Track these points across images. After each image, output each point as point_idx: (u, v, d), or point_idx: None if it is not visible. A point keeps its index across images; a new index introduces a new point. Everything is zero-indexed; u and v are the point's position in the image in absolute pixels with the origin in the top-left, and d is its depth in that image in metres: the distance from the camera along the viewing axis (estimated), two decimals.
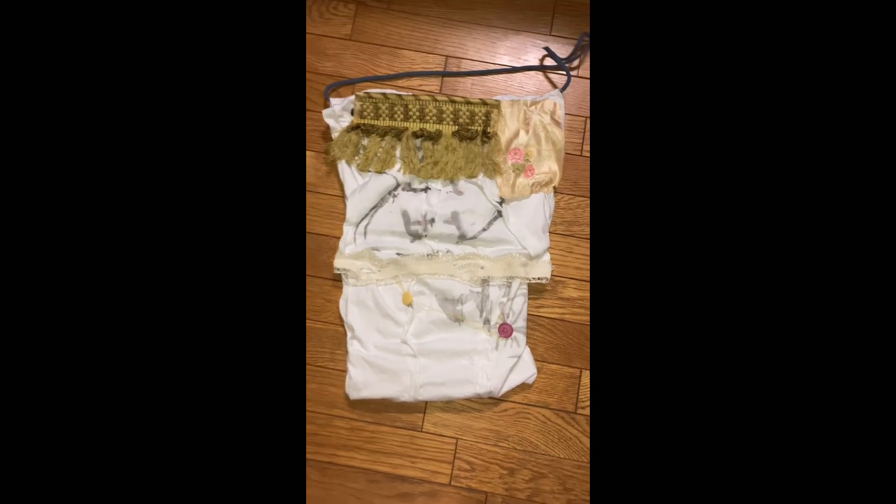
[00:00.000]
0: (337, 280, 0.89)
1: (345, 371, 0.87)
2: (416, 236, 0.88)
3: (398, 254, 0.87)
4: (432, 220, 0.88)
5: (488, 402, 0.87)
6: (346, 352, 0.86)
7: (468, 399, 0.86)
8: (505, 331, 0.85)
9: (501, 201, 0.89)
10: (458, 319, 0.86)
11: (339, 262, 0.87)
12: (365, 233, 0.89)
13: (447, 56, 0.96)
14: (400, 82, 0.95)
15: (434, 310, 0.86)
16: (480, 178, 0.89)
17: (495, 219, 0.88)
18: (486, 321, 0.86)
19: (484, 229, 0.88)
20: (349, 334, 0.87)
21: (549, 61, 0.96)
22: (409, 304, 0.86)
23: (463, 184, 0.89)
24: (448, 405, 0.87)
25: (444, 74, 0.95)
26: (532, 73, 0.96)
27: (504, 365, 0.84)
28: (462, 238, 0.88)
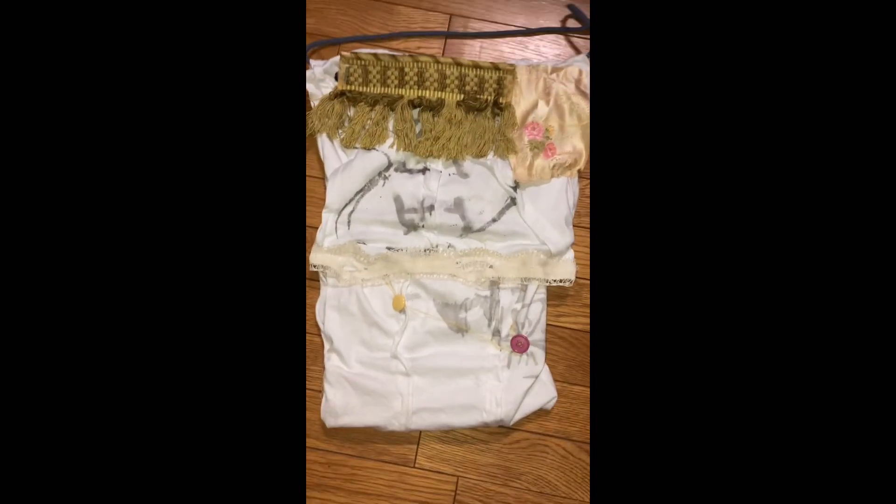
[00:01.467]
0: (313, 279, 0.73)
1: (320, 392, 0.71)
2: (411, 227, 0.72)
3: (389, 248, 0.71)
4: (431, 208, 0.72)
5: (497, 431, 0.71)
6: (323, 368, 0.70)
7: (472, 428, 0.69)
8: (519, 345, 0.69)
9: (516, 186, 0.73)
10: (462, 330, 0.70)
11: (315, 258, 0.71)
12: (348, 222, 0.73)
13: (451, 14, 0.81)
14: (394, 44, 0.79)
15: (432, 317, 0.70)
16: (490, 157, 0.73)
17: (508, 207, 0.72)
18: (496, 332, 0.70)
19: (494, 220, 0.72)
20: (326, 346, 0.70)
21: (572, 22, 0.80)
22: (402, 310, 0.70)
23: (469, 164, 0.73)
24: (447, 435, 0.71)
25: (448, 35, 0.80)
26: (552, 35, 0.80)
27: (518, 387, 0.68)
28: (467, 230, 0.72)
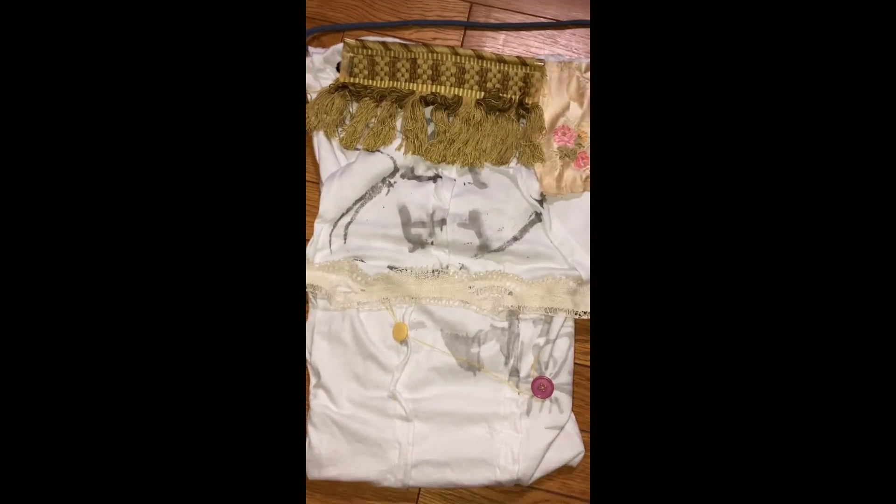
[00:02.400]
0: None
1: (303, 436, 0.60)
2: (417, 243, 0.62)
3: (391, 267, 0.61)
4: (442, 222, 0.61)
5: (512, 491, 0.60)
6: (307, 407, 0.59)
7: (483, 487, 0.58)
8: (541, 388, 0.58)
9: (542, 199, 0.62)
10: (474, 367, 0.59)
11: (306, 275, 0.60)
12: (345, 234, 0.62)
13: (472, 3, 0.71)
14: (406, 33, 0.70)
15: (439, 351, 0.59)
16: (513, 164, 0.63)
17: (532, 224, 0.62)
18: (515, 372, 0.59)
19: (515, 238, 0.61)
20: (313, 381, 0.60)
21: None
22: (403, 341, 0.59)
23: (488, 172, 0.63)
24: (452, 494, 0.59)
25: (468, 26, 0.70)
26: (586, 29, 0.71)
27: (538, 439, 0.57)
28: (483, 249, 0.61)
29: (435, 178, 0.63)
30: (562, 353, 0.59)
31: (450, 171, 0.63)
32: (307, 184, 0.66)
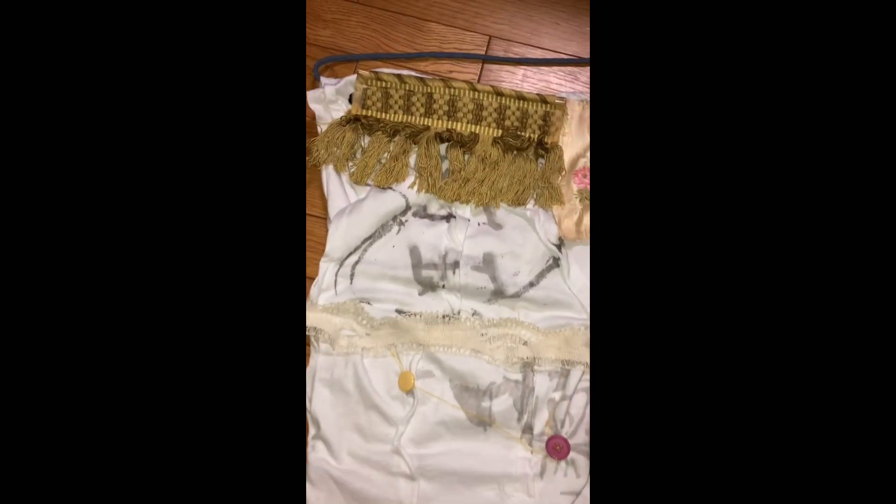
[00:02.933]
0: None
1: None
2: (428, 286, 0.58)
3: (399, 311, 0.57)
4: (455, 265, 0.58)
5: None
6: (305, 460, 0.55)
7: None
8: (557, 449, 0.54)
9: (560, 244, 0.59)
10: (484, 423, 0.55)
11: (307, 318, 0.57)
12: (351, 275, 0.59)
13: (491, 36, 0.69)
14: (422, 65, 0.67)
15: (447, 403, 0.56)
16: (531, 206, 0.60)
17: (549, 269, 0.59)
18: (528, 429, 0.55)
19: (532, 283, 0.58)
20: (312, 432, 0.56)
21: None
22: (410, 391, 0.56)
23: (503, 213, 0.60)
24: None
25: (487, 60, 0.68)
26: None
27: None
28: (498, 295, 0.58)
29: (448, 217, 0.60)
30: (579, 411, 0.55)
31: (464, 211, 0.60)
32: (314, 219, 0.63)
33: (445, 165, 0.61)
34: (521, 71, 0.68)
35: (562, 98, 0.62)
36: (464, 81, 0.62)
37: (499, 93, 0.61)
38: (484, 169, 0.60)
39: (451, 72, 0.68)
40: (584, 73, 0.68)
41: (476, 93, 0.61)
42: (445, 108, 0.62)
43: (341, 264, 0.59)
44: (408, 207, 0.60)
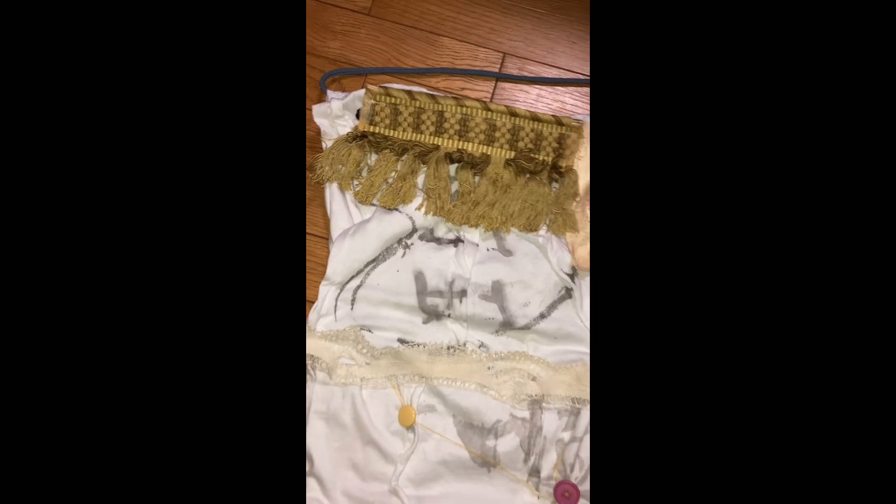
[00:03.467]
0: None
1: None
2: (433, 314, 0.55)
3: (401, 340, 0.54)
4: (462, 294, 0.55)
5: None
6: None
7: None
8: (566, 495, 0.50)
9: (573, 274, 0.56)
10: (489, 463, 0.52)
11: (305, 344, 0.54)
12: (352, 300, 0.56)
13: (505, 53, 0.66)
14: (434, 81, 0.65)
15: (450, 441, 0.52)
16: (543, 232, 0.57)
17: (561, 300, 0.55)
18: (535, 472, 0.51)
19: (542, 315, 0.55)
20: (306, 467, 0.53)
21: None
22: (410, 427, 0.52)
23: (514, 239, 0.57)
24: None
25: (500, 77, 0.65)
26: None
27: None
28: (507, 326, 0.55)
29: (456, 241, 0.57)
30: (589, 455, 0.52)
31: (472, 235, 0.57)
32: (316, 239, 0.60)
33: (455, 187, 0.58)
34: (535, 90, 0.66)
35: (578, 120, 0.59)
36: (476, 100, 0.59)
37: (513, 113, 0.59)
38: (495, 192, 0.57)
39: (463, 89, 0.65)
40: None
41: (489, 112, 0.59)
42: (457, 127, 0.59)
43: (342, 288, 0.56)
44: (414, 230, 0.57)
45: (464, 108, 0.59)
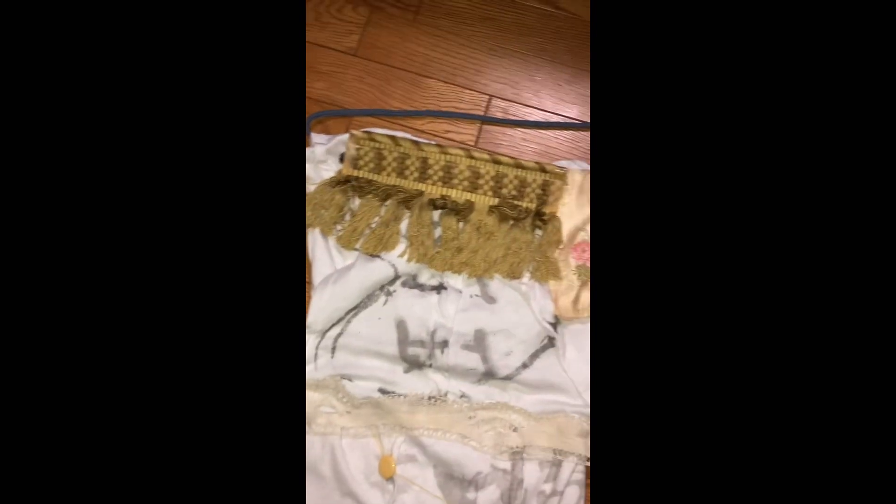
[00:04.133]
0: None
1: None
2: (414, 364, 0.55)
3: (382, 390, 0.54)
4: (444, 344, 0.55)
5: None
6: None
7: None
8: None
9: (556, 322, 0.56)
10: None
11: None
12: (333, 348, 0.55)
13: (491, 96, 0.66)
14: (417, 123, 0.65)
15: (429, 492, 0.52)
16: (526, 280, 0.57)
17: (544, 349, 0.55)
18: None
19: (525, 365, 0.55)
20: None
21: None
22: (390, 478, 0.52)
23: (497, 286, 0.57)
24: None
25: (485, 121, 0.65)
26: None
27: None
28: (489, 376, 0.55)
29: (439, 288, 0.57)
30: None
31: (455, 281, 0.57)
32: None
33: (438, 233, 0.58)
34: (519, 133, 0.66)
35: (561, 167, 0.59)
36: (460, 149, 0.59)
37: (496, 161, 0.59)
38: (478, 238, 0.57)
39: (447, 131, 0.65)
40: (586, 138, 0.66)
41: (473, 160, 0.59)
42: (441, 173, 0.59)
43: (323, 336, 0.56)
44: (396, 276, 0.57)
45: (448, 156, 0.59)
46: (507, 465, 0.52)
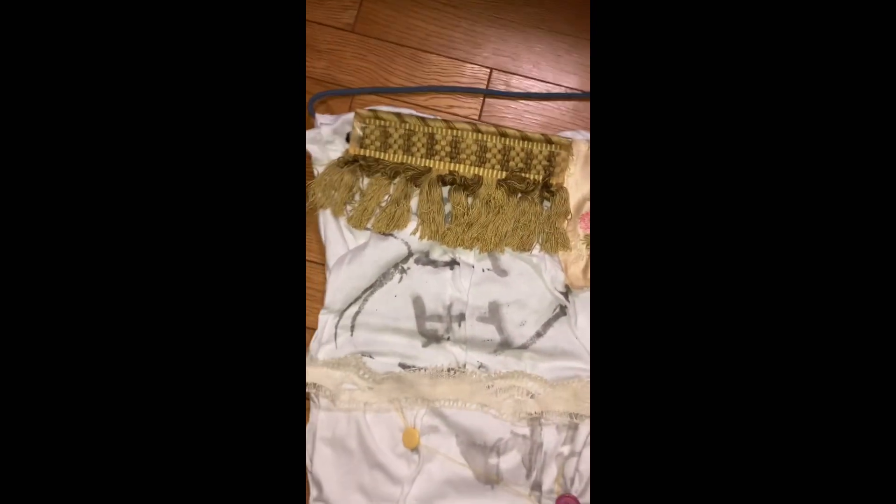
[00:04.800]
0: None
1: None
2: (432, 338, 0.56)
3: (402, 365, 0.55)
4: (461, 317, 0.56)
5: None
6: None
7: None
8: None
9: (567, 291, 0.58)
10: (492, 480, 0.54)
11: (308, 373, 0.55)
12: (352, 327, 0.57)
13: (492, 69, 0.66)
14: (420, 99, 0.65)
15: (453, 460, 0.54)
16: (536, 251, 0.58)
17: (557, 317, 0.57)
18: (537, 486, 0.54)
19: (539, 334, 0.57)
20: (313, 493, 0.54)
21: None
22: (415, 448, 0.54)
23: (508, 258, 0.58)
24: None
25: (487, 94, 0.65)
26: None
27: None
28: (505, 346, 0.56)
29: (452, 263, 0.58)
30: (588, 468, 0.54)
31: (467, 257, 0.58)
32: (313, 265, 0.60)
33: (448, 208, 0.59)
34: (522, 105, 0.66)
35: (568, 139, 0.60)
36: (467, 123, 0.59)
37: (503, 133, 0.59)
38: (488, 213, 0.58)
39: (451, 106, 0.65)
40: (588, 108, 0.67)
41: (479, 134, 0.59)
42: (448, 149, 0.59)
43: (341, 316, 0.57)
44: (410, 254, 0.58)
45: (454, 131, 0.59)
46: (526, 430, 0.54)
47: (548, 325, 0.57)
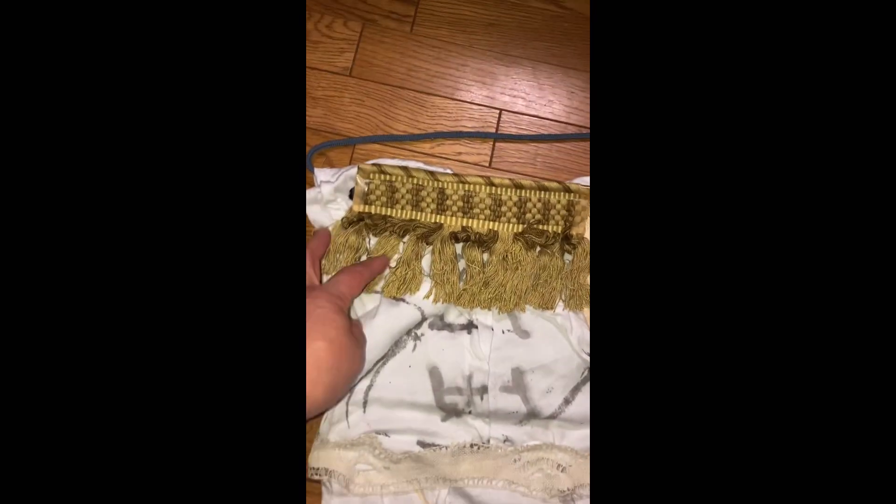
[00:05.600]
0: (315, 485, 0.52)
1: None
2: (452, 412, 0.52)
3: (421, 443, 0.51)
4: (483, 390, 0.52)
5: None
6: None
7: None
8: None
9: None
10: None
11: (317, 458, 0.50)
12: (364, 402, 0.52)
13: (501, 110, 0.62)
14: (425, 147, 0.61)
15: None
16: (559, 309, 0.54)
17: (585, 381, 0.53)
18: None
19: (567, 401, 0.52)
20: None
21: None
22: None
23: (530, 318, 0.54)
24: None
25: (497, 138, 0.61)
26: None
27: None
28: (531, 416, 0.52)
29: (469, 326, 0.53)
30: None
31: (485, 318, 0.54)
32: None
33: (463, 267, 0.55)
34: (534, 149, 0.62)
35: (586, 185, 0.56)
36: (479, 176, 0.55)
37: (518, 185, 0.55)
38: (506, 270, 0.54)
39: (459, 154, 0.61)
40: None
41: (493, 187, 0.55)
42: (460, 203, 0.55)
43: (352, 391, 0.52)
44: (423, 319, 0.53)
45: (466, 186, 0.55)
46: None
47: (576, 390, 0.53)
